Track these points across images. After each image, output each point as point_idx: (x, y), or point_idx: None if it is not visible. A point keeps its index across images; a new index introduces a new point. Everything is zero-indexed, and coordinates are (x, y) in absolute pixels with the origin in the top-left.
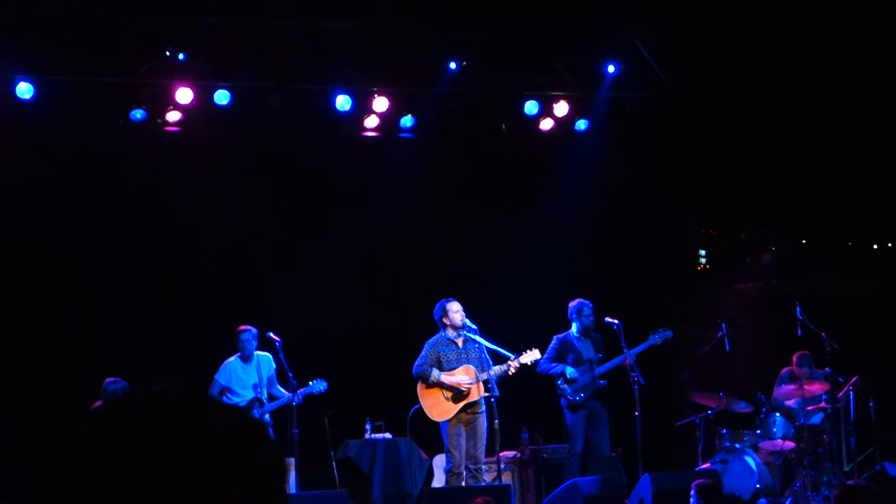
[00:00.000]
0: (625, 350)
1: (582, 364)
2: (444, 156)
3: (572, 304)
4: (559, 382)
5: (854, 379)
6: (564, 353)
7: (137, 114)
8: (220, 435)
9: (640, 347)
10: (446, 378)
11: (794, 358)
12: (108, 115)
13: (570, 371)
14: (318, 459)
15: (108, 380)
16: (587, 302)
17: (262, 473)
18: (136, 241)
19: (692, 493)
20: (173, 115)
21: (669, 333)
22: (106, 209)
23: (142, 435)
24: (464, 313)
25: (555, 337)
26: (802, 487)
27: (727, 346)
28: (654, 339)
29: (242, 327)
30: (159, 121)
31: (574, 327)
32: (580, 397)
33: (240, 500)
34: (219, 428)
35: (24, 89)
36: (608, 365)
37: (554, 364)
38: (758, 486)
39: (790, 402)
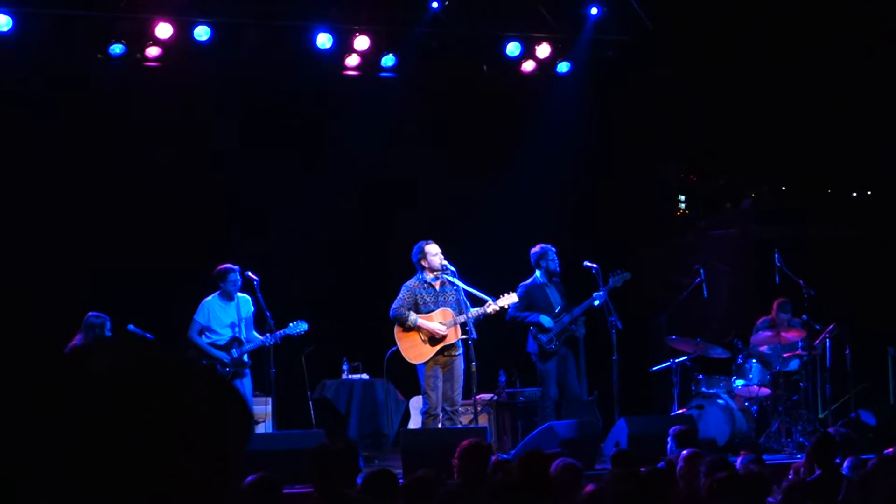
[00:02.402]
0: (600, 293)
1: (551, 311)
2: (425, 96)
3: (535, 249)
4: (533, 331)
5: (830, 326)
6: (533, 301)
7: (116, 48)
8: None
9: (603, 290)
10: (423, 322)
11: (775, 304)
12: (86, 49)
13: (546, 320)
14: (294, 399)
15: (90, 313)
16: (550, 247)
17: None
18: (113, 178)
19: (669, 438)
20: (153, 51)
21: (627, 275)
22: (83, 145)
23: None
24: (442, 255)
25: (521, 285)
26: (777, 433)
27: (705, 292)
28: (614, 281)
29: (229, 266)
30: (138, 56)
31: (538, 273)
32: (555, 345)
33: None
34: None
35: (2, 22)
36: (578, 310)
37: (526, 312)
38: (732, 431)
39: (763, 348)
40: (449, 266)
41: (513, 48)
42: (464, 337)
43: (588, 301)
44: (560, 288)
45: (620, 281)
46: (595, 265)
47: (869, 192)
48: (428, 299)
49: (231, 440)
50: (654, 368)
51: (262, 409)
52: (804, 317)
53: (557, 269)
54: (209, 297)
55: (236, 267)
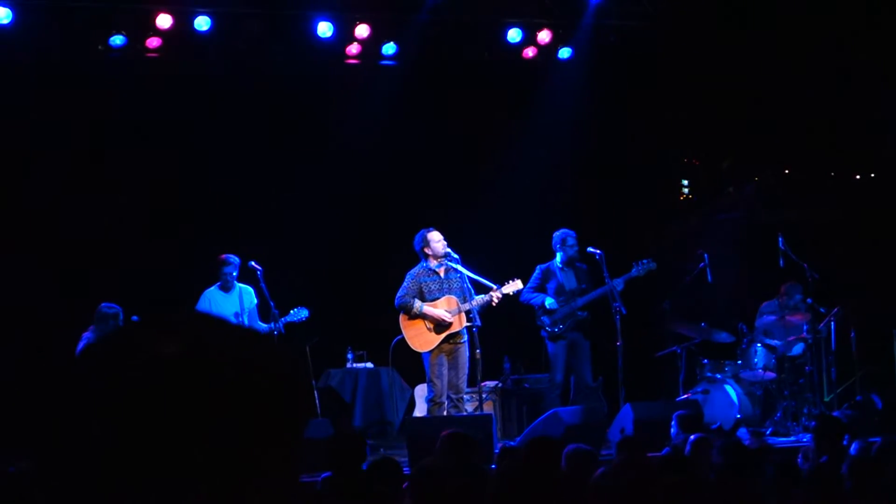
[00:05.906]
0: (607, 280)
1: (562, 295)
2: (426, 84)
3: (556, 234)
4: (538, 313)
5: (835, 309)
6: (546, 283)
7: (117, 39)
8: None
9: (621, 279)
10: (429, 310)
11: (783, 288)
12: (86, 40)
13: (549, 301)
14: None
15: (103, 304)
16: (571, 231)
17: (278, 413)
18: (115, 169)
19: (673, 423)
20: (153, 41)
21: (653, 265)
22: (84, 136)
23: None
24: (445, 243)
25: (538, 266)
26: (783, 417)
27: (709, 277)
28: (637, 269)
29: (224, 257)
30: (139, 47)
31: (558, 257)
32: (559, 328)
33: (253, 447)
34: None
35: (2, 14)
36: (590, 296)
37: (535, 294)
38: (738, 416)
39: (768, 333)
40: (452, 253)
41: (514, 34)
42: (468, 324)
43: (603, 288)
44: (581, 274)
45: (644, 270)
46: (599, 251)
47: (872, 175)
48: (433, 287)
49: (295, 427)
50: (659, 354)
51: None
52: (809, 300)
53: (576, 254)
54: (210, 288)
55: (235, 261)
